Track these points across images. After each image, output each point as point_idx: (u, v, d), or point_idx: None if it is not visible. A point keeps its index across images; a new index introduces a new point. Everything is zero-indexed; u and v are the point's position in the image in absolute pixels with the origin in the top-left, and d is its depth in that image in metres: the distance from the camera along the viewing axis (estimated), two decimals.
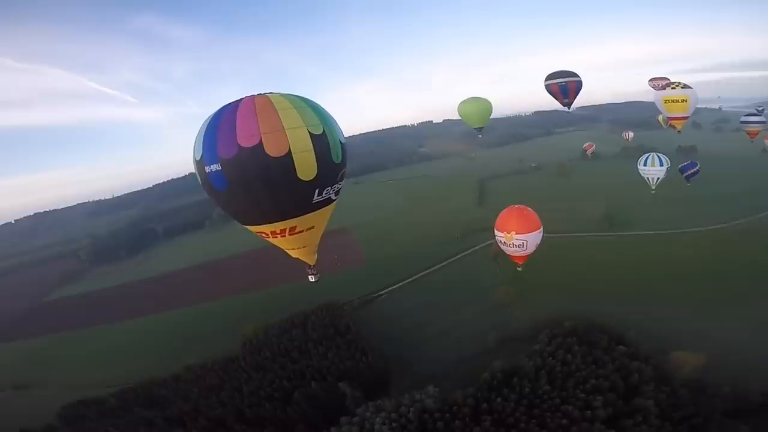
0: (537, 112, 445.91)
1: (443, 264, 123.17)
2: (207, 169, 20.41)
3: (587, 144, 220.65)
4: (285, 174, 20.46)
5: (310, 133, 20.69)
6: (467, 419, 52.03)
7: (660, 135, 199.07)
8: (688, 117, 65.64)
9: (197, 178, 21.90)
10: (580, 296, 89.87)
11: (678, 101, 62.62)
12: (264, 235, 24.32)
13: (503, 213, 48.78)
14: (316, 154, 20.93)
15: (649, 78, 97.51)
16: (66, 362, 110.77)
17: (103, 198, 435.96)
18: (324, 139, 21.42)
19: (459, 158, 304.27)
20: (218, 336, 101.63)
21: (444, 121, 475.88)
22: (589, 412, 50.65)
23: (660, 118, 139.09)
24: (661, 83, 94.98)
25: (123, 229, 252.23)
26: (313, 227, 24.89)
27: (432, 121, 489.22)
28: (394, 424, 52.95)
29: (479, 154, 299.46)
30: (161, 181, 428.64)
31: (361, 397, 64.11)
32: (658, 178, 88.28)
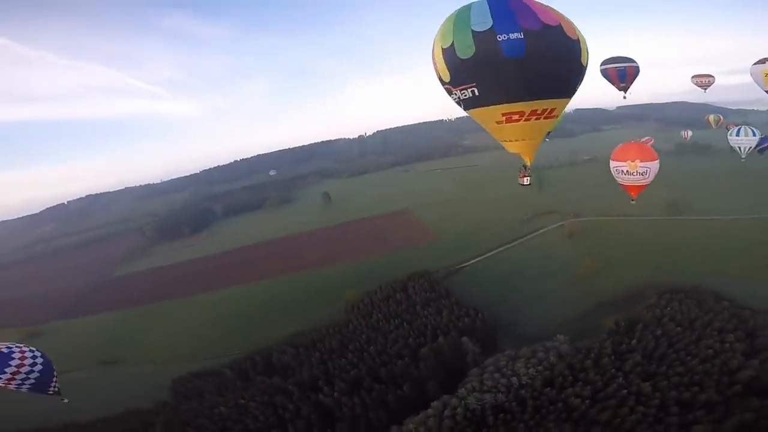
0: (577, 110, 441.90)
1: (517, 242, 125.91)
2: (500, 37, 22.83)
3: (646, 138, 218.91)
4: (572, 53, 23.95)
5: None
6: (612, 357, 54.98)
7: (712, 134, 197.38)
8: None
9: (450, 50, 23.87)
10: (656, 272, 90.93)
11: None
12: (497, 121, 26.30)
13: (621, 146, 50.67)
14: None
15: (692, 75, 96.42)
16: (147, 336, 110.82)
17: (151, 182, 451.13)
18: None
19: (503, 150, 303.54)
20: (305, 306, 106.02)
21: None
22: (727, 344, 53.66)
23: (711, 118, 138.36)
24: (705, 80, 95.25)
25: (181, 209, 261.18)
26: (554, 112, 26.69)
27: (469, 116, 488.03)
28: (539, 367, 56.28)
29: None
30: (208, 168, 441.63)
31: (479, 352, 67.79)
32: (749, 147, 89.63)
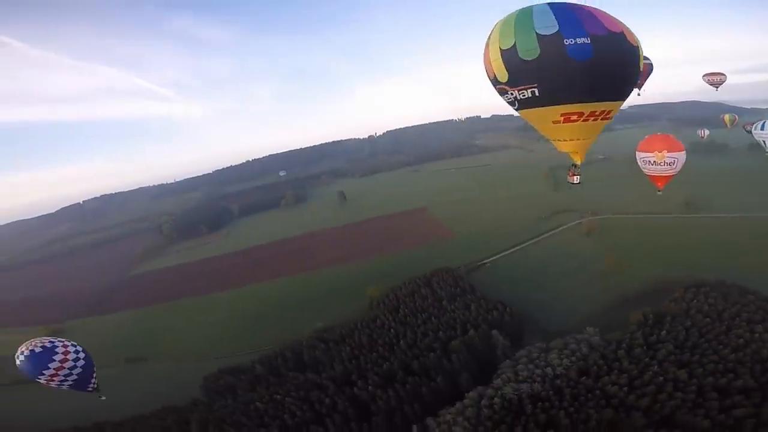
0: None
1: (536, 240, 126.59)
2: (567, 41, 24.23)
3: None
4: (633, 58, 25.49)
5: None
6: (645, 347, 56.01)
7: (728, 133, 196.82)
8: None
9: (512, 52, 25.17)
10: (677, 268, 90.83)
11: None
12: (554, 120, 27.96)
13: (647, 138, 52.04)
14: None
15: (704, 73, 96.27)
16: (171, 334, 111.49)
17: (164, 182, 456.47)
18: None
19: (516, 150, 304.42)
20: (326, 303, 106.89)
21: (492, 116, 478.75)
22: (757, 334, 54.77)
23: (726, 117, 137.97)
24: (717, 78, 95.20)
25: (196, 208, 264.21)
26: (610, 113, 28.38)
27: (480, 116, 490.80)
28: (572, 358, 57.41)
29: (537, 146, 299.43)
30: (220, 168, 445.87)
31: (509, 345, 68.76)
32: None
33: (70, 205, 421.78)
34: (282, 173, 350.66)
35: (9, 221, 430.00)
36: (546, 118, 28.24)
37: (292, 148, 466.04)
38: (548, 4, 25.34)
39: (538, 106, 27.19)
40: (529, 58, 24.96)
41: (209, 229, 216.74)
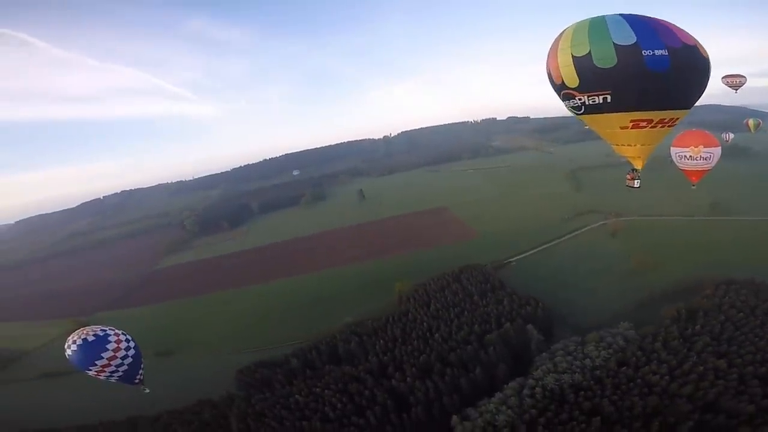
0: None
1: (560, 240, 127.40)
2: (645, 52, 25.73)
3: None
4: (706, 70, 27.19)
5: None
6: (681, 340, 57.18)
7: (751, 137, 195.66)
8: None
9: (586, 59, 26.63)
10: (703, 268, 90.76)
11: None
12: (622, 126, 29.36)
13: (683, 134, 52.35)
14: None
15: (723, 75, 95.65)
16: (199, 327, 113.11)
17: (183, 179, 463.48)
18: None
19: (534, 152, 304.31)
20: (352, 298, 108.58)
21: (508, 118, 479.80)
22: None
23: (750, 122, 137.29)
24: (737, 80, 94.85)
25: (217, 205, 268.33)
26: (676, 121, 29.70)
27: (496, 118, 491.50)
28: (610, 350, 58.77)
29: (555, 149, 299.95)
30: (238, 166, 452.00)
31: (543, 340, 69.91)
32: None
33: (90, 201, 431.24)
34: (295, 172, 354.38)
35: (31, 215, 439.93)
36: (614, 123, 29.68)
37: (307, 148, 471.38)
38: (621, 15, 26.99)
39: (608, 112, 28.68)
40: (605, 66, 26.48)
41: (231, 225, 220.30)
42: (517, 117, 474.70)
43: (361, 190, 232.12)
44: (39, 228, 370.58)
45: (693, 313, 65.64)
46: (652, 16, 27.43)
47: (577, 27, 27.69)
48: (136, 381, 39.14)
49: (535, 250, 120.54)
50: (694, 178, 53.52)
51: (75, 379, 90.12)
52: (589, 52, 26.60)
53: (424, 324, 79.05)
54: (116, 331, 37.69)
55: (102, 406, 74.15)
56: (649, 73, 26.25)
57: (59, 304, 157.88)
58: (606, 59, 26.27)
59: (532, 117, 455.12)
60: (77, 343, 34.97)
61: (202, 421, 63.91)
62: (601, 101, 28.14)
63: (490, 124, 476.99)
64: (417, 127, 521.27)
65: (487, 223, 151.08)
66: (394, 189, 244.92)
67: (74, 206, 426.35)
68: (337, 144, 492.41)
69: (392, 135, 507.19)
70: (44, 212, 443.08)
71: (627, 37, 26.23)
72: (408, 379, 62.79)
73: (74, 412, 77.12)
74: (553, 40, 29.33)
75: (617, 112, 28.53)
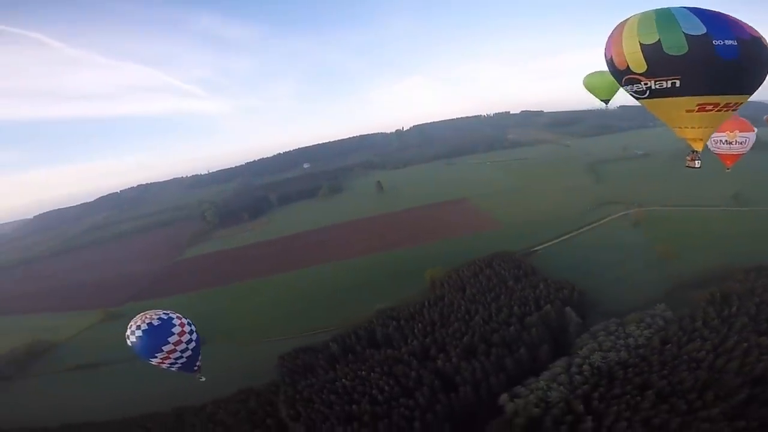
0: (622, 107, 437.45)
1: (585, 229, 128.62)
2: (716, 42, 27.54)
3: None
4: None
5: None
6: (720, 320, 58.91)
7: None
8: None
9: (656, 47, 28.36)
10: (729, 256, 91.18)
11: None
12: (688, 109, 31.06)
13: None
14: None
15: None
16: (229, 315, 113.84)
17: (198, 173, 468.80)
18: None
19: (551, 145, 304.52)
20: (381, 285, 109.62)
21: (521, 112, 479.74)
22: None
23: None
24: None
25: (235, 197, 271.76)
26: (738, 105, 31.40)
27: (509, 112, 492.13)
28: (651, 329, 60.68)
29: (572, 141, 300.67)
30: (252, 160, 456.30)
31: (580, 322, 71.43)
32: None
33: (108, 195, 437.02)
34: (306, 165, 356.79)
35: (49, 209, 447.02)
36: (680, 106, 31.27)
37: (320, 142, 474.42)
38: (686, 7, 28.91)
39: (676, 96, 30.26)
40: (675, 54, 28.20)
41: (251, 216, 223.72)
42: (530, 111, 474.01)
43: (379, 181, 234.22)
44: (57, 223, 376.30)
45: (727, 297, 66.87)
46: (715, 10, 29.47)
47: (642, 17, 29.49)
48: (195, 368, 37.65)
49: (559, 239, 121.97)
50: (728, 161, 55.35)
51: (111, 370, 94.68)
52: (659, 40, 28.31)
53: (462, 307, 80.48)
54: (178, 315, 35.88)
55: (143, 398, 75.41)
56: (720, 61, 28.01)
57: (86, 295, 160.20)
58: (677, 47, 27.98)
59: (545, 111, 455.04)
60: (142, 328, 32.81)
61: (248, 410, 64.37)
62: (669, 86, 29.80)
63: (504, 117, 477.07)
64: (429, 121, 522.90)
65: (509, 214, 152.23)
66: (411, 181, 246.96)
67: (91, 200, 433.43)
68: (349, 138, 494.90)
69: (405, 129, 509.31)
70: (63, 206, 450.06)
71: (696, 27, 27.98)
72: (453, 359, 63.76)
73: (113, 404, 78.08)
74: (613, 29, 31.11)
75: (685, 96, 30.10)
